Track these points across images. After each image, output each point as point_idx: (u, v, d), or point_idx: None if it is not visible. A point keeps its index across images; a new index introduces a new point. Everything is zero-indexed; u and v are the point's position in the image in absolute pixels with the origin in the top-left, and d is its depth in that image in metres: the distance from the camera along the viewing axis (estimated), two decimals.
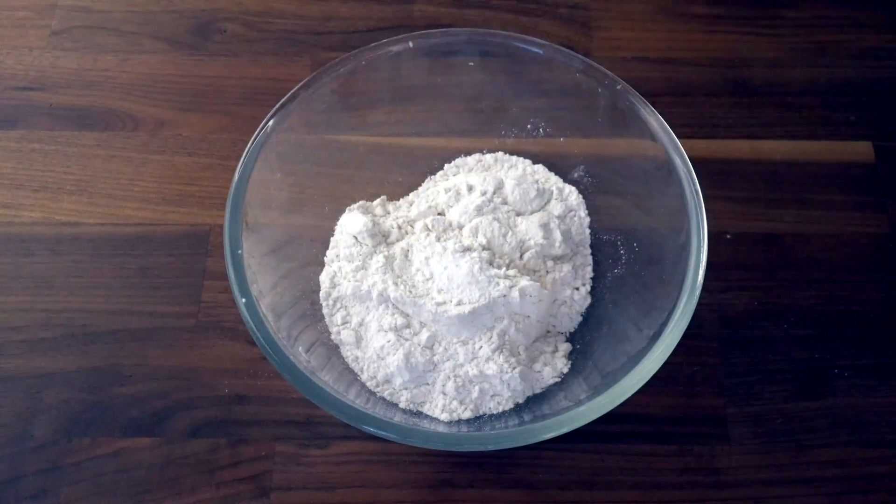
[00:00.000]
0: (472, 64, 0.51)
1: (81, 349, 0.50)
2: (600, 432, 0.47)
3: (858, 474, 0.47)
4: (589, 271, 0.50)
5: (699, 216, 0.43)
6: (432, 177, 0.53)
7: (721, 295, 0.52)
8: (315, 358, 0.44)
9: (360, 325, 0.47)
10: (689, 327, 0.41)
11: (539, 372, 0.46)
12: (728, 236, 0.54)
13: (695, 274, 0.42)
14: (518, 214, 0.50)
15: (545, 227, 0.49)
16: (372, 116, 0.52)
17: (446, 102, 0.53)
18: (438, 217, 0.49)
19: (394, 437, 0.39)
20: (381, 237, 0.49)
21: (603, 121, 0.49)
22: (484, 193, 0.49)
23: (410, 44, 0.49)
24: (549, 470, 0.47)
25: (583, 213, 0.51)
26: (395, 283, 0.46)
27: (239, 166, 0.44)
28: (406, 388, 0.45)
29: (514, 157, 0.53)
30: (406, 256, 0.48)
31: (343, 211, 0.51)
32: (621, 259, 0.49)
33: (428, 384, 0.45)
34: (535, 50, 0.49)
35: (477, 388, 0.45)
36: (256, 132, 0.45)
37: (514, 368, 0.44)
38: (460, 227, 0.49)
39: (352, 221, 0.49)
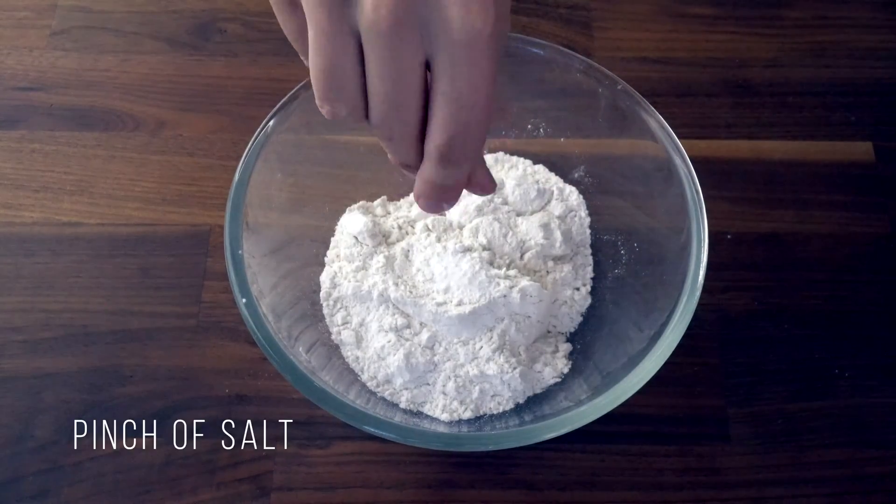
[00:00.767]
0: None
1: (82, 349, 0.50)
2: (600, 432, 0.47)
3: (858, 474, 0.47)
4: (589, 271, 0.50)
5: (699, 216, 0.43)
6: None
7: (721, 295, 0.52)
8: (315, 358, 0.44)
9: (361, 325, 0.47)
10: (690, 327, 0.41)
11: (539, 372, 0.46)
12: (728, 236, 0.54)
13: (695, 274, 0.42)
14: (518, 215, 0.50)
15: (546, 227, 0.49)
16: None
17: None
18: (439, 217, 0.49)
19: (394, 438, 0.39)
20: (381, 237, 0.49)
21: (603, 121, 0.49)
22: None
23: None
24: (549, 470, 0.47)
25: (583, 213, 0.51)
26: (396, 284, 0.46)
27: (239, 166, 0.44)
28: (406, 389, 0.45)
29: (515, 158, 0.53)
30: (406, 257, 0.48)
31: (343, 211, 0.51)
32: (622, 259, 0.49)
33: (428, 384, 0.46)
34: (536, 50, 0.49)
35: (477, 388, 0.45)
36: (257, 132, 0.45)
37: (514, 368, 0.45)
38: (461, 228, 0.49)
39: (352, 221, 0.49)
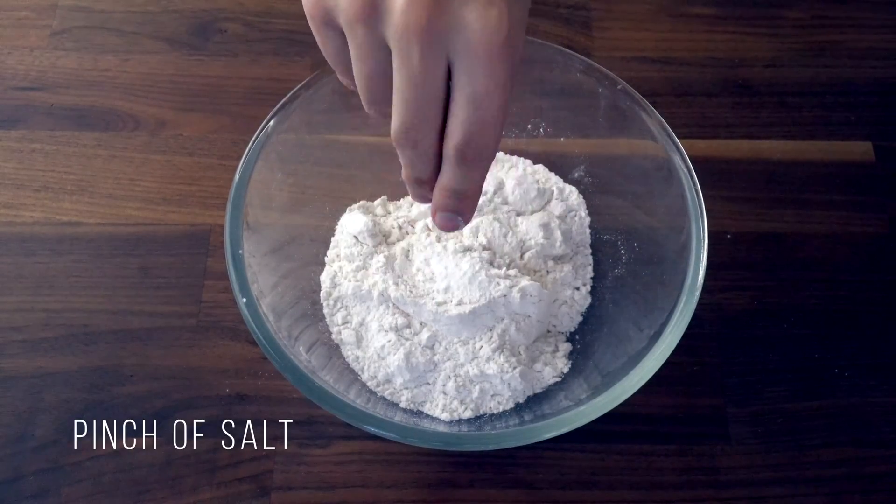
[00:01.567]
0: None
1: (82, 349, 0.50)
2: (601, 432, 0.47)
3: (858, 474, 0.47)
4: (589, 271, 0.50)
5: (699, 216, 0.43)
6: None
7: (721, 295, 0.52)
8: (316, 358, 0.44)
9: (361, 324, 0.47)
10: (689, 327, 0.41)
11: (539, 372, 0.46)
12: (728, 236, 0.54)
13: (695, 274, 0.42)
14: (518, 214, 0.50)
15: (546, 227, 0.49)
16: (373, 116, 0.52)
17: None
18: None
19: (394, 437, 0.39)
20: (381, 237, 0.49)
21: (603, 121, 0.49)
22: (484, 193, 0.49)
23: None
24: (549, 470, 0.47)
25: (583, 213, 0.51)
26: (396, 283, 0.46)
27: (240, 166, 0.44)
28: (406, 388, 0.45)
29: (515, 157, 0.53)
30: (406, 256, 0.48)
31: (344, 211, 0.51)
32: (622, 259, 0.50)
33: (428, 384, 0.46)
34: (536, 50, 0.48)
35: (477, 387, 0.45)
36: (257, 132, 0.45)
37: (514, 368, 0.45)
38: None
39: (352, 221, 0.49)
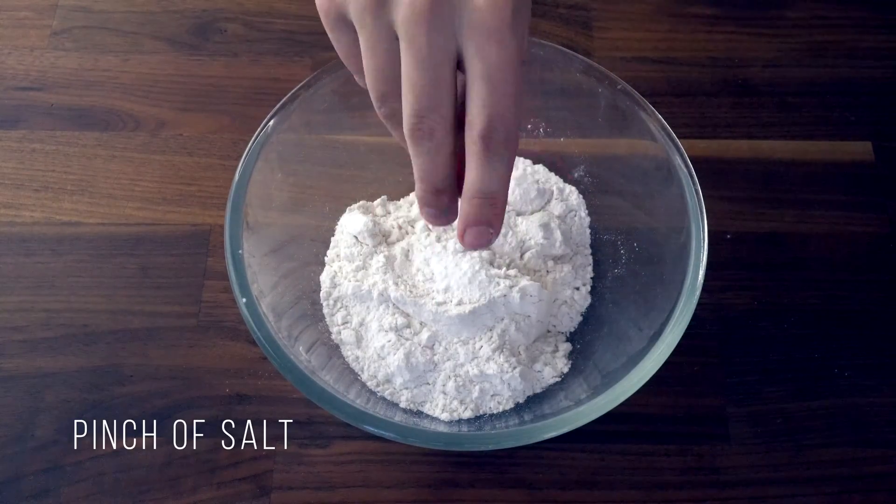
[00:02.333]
0: None
1: (82, 349, 0.50)
2: (601, 432, 0.47)
3: (858, 474, 0.47)
4: (589, 271, 0.50)
5: (699, 216, 0.43)
6: None
7: (721, 295, 0.52)
8: (315, 358, 0.44)
9: (361, 324, 0.47)
10: (689, 327, 0.41)
11: (539, 372, 0.46)
12: (728, 236, 0.54)
13: (695, 274, 0.42)
14: (518, 214, 0.50)
15: (545, 227, 0.49)
16: (373, 116, 0.51)
17: None
18: None
19: (394, 437, 0.39)
20: (381, 237, 0.49)
21: (603, 121, 0.49)
22: None
23: None
24: (549, 470, 0.47)
25: (583, 213, 0.51)
26: (396, 283, 0.46)
27: (239, 166, 0.44)
28: (406, 388, 0.45)
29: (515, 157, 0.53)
30: (406, 256, 0.48)
31: (343, 211, 0.51)
32: (621, 259, 0.50)
33: (428, 384, 0.46)
34: (536, 50, 0.49)
35: (477, 387, 0.45)
36: (257, 132, 0.45)
37: (514, 368, 0.45)
38: None
39: (352, 221, 0.49)
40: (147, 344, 0.50)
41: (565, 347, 0.48)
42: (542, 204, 0.51)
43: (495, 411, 0.45)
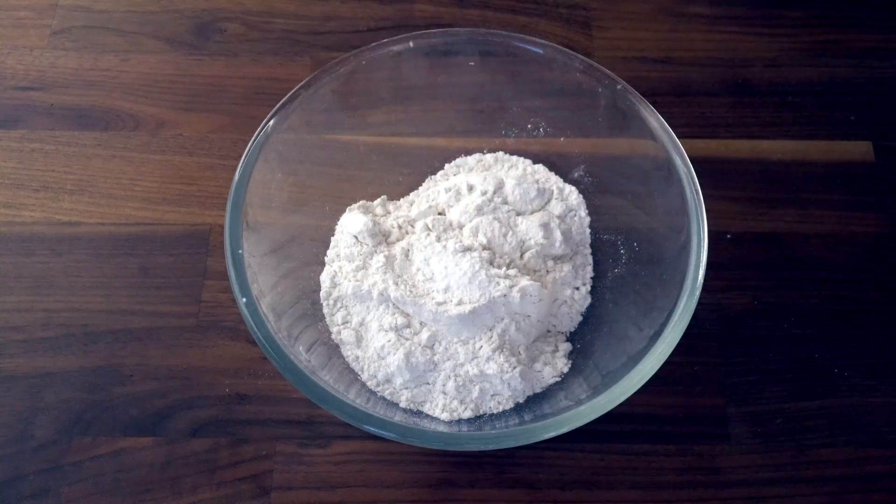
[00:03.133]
0: (472, 64, 0.51)
1: (82, 349, 0.50)
2: (600, 432, 0.47)
3: (858, 474, 0.47)
4: (589, 271, 0.50)
5: (699, 216, 0.43)
6: (433, 176, 0.53)
7: (721, 295, 0.52)
8: (315, 357, 0.44)
9: (361, 324, 0.47)
10: (689, 327, 0.41)
11: (539, 371, 0.46)
12: (728, 236, 0.54)
13: (695, 274, 0.42)
14: (518, 214, 0.50)
15: (545, 226, 0.49)
16: (372, 116, 0.52)
17: (447, 102, 0.53)
18: (439, 217, 0.49)
19: (394, 437, 0.39)
20: (381, 237, 0.49)
21: (603, 121, 0.49)
22: (484, 193, 0.49)
23: (411, 44, 0.49)
24: (549, 469, 0.47)
25: (583, 212, 0.51)
26: (396, 283, 0.46)
27: (239, 166, 0.45)
28: (406, 388, 0.45)
29: (515, 157, 0.53)
30: (406, 256, 0.48)
31: (343, 211, 0.51)
32: (621, 259, 0.50)
33: (428, 384, 0.46)
34: (536, 50, 0.49)
35: (477, 387, 0.45)
36: (257, 132, 0.45)
37: (514, 368, 0.45)
38: (461, 227, 0.49)
39: (352, 221, 0.49)
40: (147, 344, 0.50)
41: (565, 347, 0.48)
42: (542, 204, 0.51)
43: (495, 411, 0.45)
